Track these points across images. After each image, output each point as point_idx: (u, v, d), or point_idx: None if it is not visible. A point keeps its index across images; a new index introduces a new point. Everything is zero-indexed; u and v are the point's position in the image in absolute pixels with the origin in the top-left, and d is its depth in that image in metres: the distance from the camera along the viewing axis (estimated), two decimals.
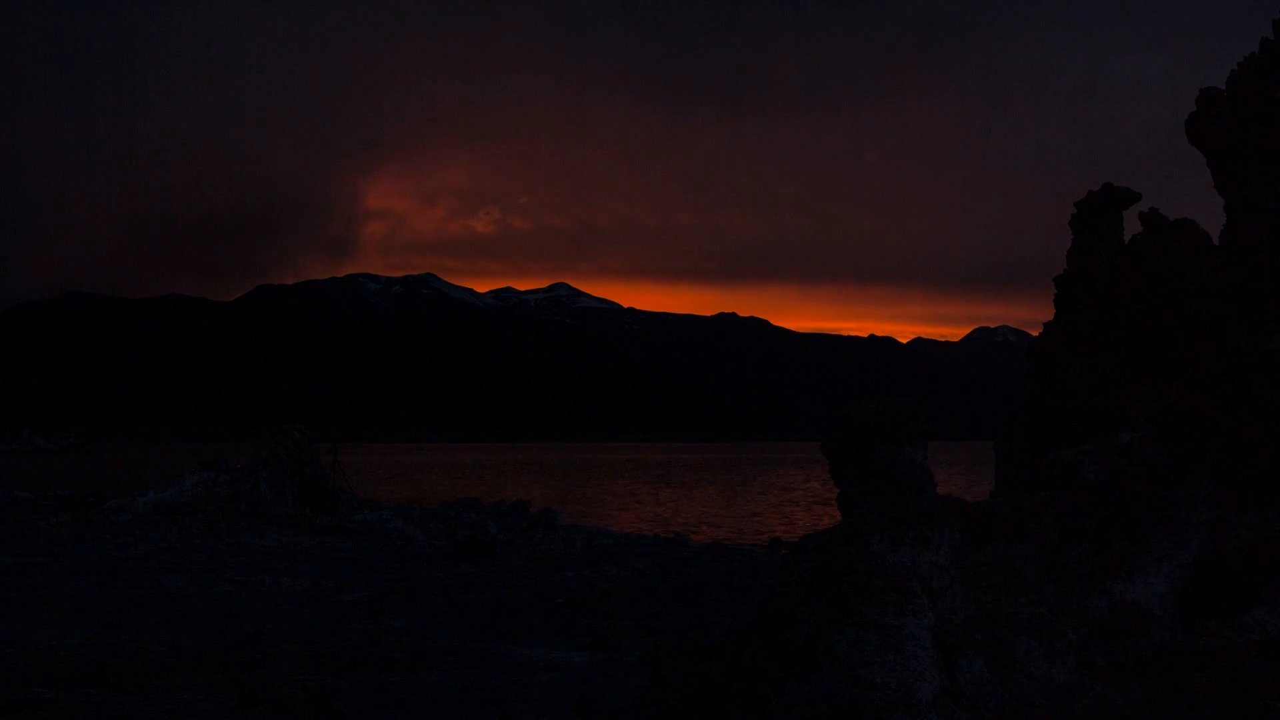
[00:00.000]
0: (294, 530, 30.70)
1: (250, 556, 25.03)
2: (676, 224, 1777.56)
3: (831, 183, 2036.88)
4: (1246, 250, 13.73)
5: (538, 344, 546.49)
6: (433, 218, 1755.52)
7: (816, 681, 7.87)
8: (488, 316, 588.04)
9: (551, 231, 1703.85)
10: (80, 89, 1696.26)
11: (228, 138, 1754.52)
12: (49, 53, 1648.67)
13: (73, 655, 13.63)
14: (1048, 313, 15.81)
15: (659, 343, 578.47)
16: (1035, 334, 16.33)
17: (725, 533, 39.64)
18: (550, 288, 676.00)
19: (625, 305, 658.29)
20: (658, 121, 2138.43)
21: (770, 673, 8.05)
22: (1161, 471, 12.10)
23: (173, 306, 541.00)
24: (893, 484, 9.06)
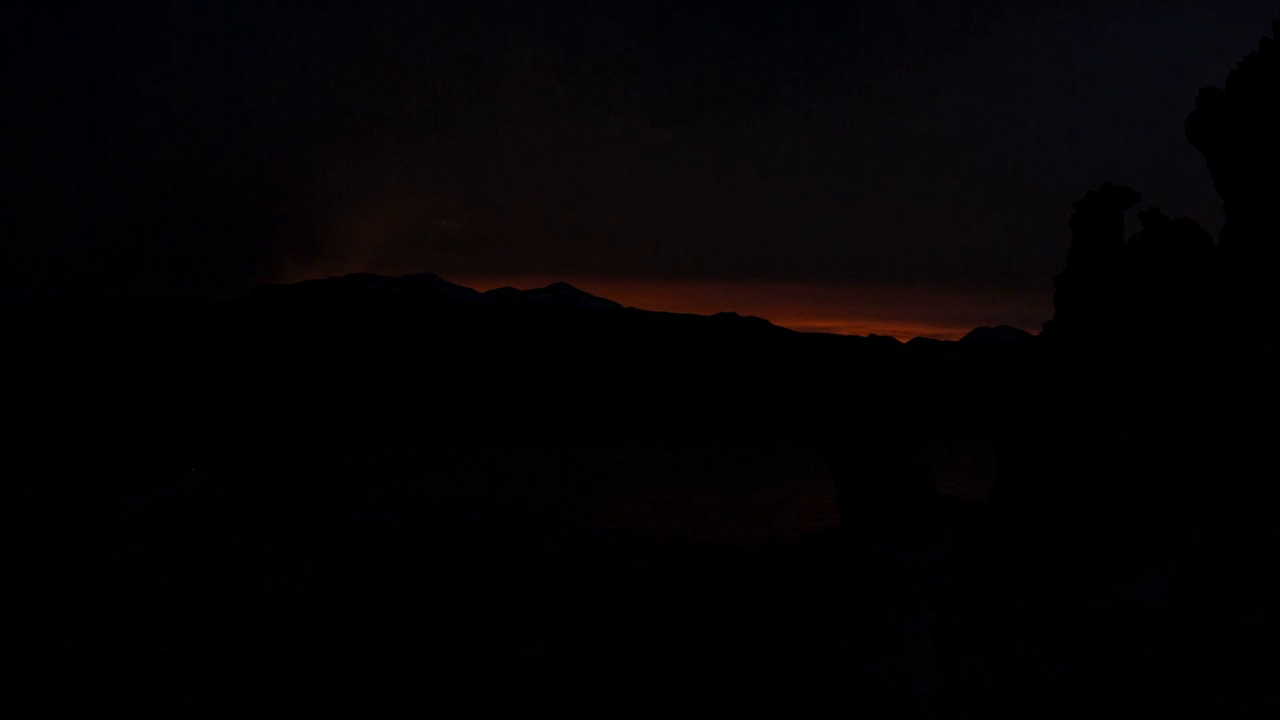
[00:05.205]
0: (294, 530, 30.68)
1: (250, 556, 25.01)
2: (677, 224, 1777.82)
3: (831, 182, 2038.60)
4: (1246, 250, 13.73)
5: (538, 344, 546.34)
6: (433, 217, 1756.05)
7: (817, 681, 7.87)
8: (488, 316, 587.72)
9: (551, 231, 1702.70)
10: (80, 89, 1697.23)
11: (228, 137, 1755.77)
12: (47, 50, 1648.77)
13: (73, 655, 13.61)
14: (1048, 313, 15.82)
15: (659, 343, 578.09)
16: (1035, 334, 16.33)
17: (725, 533, 39.62)
18: (550, 288, 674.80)
19: (625, 305, 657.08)
20: (658, 121, 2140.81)
21: (771, 673, 8.05)
22: (1161, 471, 12.09)
23: (172, 307, 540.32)
24: (893, 484, 9.06)
